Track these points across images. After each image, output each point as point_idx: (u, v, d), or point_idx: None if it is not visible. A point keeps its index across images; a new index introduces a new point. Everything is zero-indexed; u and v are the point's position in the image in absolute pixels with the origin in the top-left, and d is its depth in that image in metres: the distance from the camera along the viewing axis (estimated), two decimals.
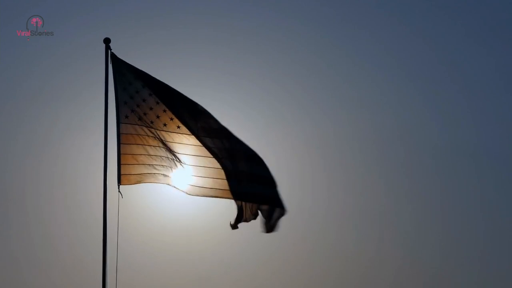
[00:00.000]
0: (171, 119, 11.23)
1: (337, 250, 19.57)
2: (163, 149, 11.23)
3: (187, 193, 11.23)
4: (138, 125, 11.18)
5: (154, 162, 11.20)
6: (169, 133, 11.23)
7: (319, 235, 19.50)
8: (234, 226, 11.27)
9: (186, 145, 11.22)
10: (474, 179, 20.81)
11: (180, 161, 11.22)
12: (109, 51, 11.36)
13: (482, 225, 20.32)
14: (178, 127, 11.25)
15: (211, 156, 11.16)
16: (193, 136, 11.19)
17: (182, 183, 11.25)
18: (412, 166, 20.72)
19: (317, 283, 19.10)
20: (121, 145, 11.10)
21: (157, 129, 11.20)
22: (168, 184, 11.24)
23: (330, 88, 21.04)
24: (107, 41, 11.41)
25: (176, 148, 11.22)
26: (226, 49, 20.34)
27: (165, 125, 11.22)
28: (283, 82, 20.74)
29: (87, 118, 18.57)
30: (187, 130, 11.21)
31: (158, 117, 11.22)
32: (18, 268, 18.33)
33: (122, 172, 11.08)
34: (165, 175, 11.23)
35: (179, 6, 20.66)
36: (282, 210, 11.19)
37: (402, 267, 19.60)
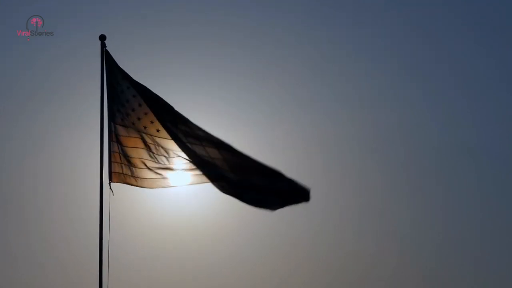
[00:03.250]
0: (152, 122, 11.31)
1: (336, 249, 19.58)
2: (143, 150, 11.31)
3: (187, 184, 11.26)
4: (120, 125, 11.31)
5: (144, 166, 11.29)
6: (149, 135, 11.31)
7: (318, 233, 19.51)
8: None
9: (166, 148, 11.28)
10: (474, 178, 20.80)
11: (166, 159, 11.29)
12: (104, 48, 11.44)
13: (481, 224, 20.31)
14: (158, 130, 11.31)
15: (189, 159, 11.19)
16: (172, 141, 11.23)
17: (175, 180, 11.33)
18: (412, 165, 20.72)
19: (315, 281, 19.11)
20: (111, 143, 11.24)
21: (139, 131, 11.29)
22: (152, 187, 11.34)
23: (330, 87, 21.04)
24: (102, 38, 11.49)
25: (156, 150, 11.30)
26: (223, 47, 20.38)
27: (145, 127, 11.31)
28: (283, 80, 20.76)
29: (85, 115, 18.64)
30: (166, 134, 11.26)
31: (139, 119, 11.30)
32: (14, 264, 18.39)
33: (112, 170, 11.26)
34: (155, 179, 11.29)
35: (177, 3, 20.72)
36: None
37: (401, 265, 19.59)
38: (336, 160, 20.41)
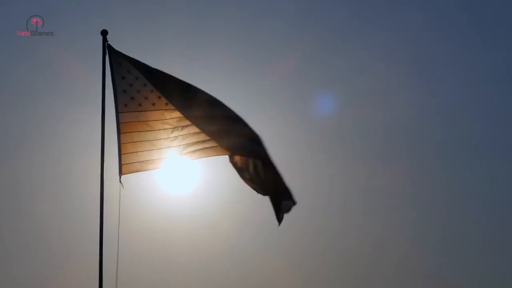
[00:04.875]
0: (159, 97, 11.28)
1: (338, 248, 19.60)
2: (164, 130, 11.27)
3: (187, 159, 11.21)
4: (138, 111, 11.23)
5: (155, 147, 11.24)
6: (158, 111, 11.28)
7: (320, 230, 19.53)
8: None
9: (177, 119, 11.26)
10: (478, 175, 20.84)
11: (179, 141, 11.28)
12: (106, 42, 11.44)
13: (485, 221, 20.36)
14: (166, 103, 11.28)
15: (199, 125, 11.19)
16: (181, 115, 11.22)
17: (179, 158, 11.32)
18: (415, 162, 20.76)
19: (317, 279, 19.12)
20: (121, 135, 11.16)
21: (160, 109, 11.25)
22: (166, 166, 11.29)
23: (333, 83, 21.07)
24: (104, 33, 11.50)
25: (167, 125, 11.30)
26: (226, 40, 20.42)
27: (153, 104, 11.29)
28: (286, 76, 20.77)
29: (86, 113, 18.65)
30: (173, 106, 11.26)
31: (146, 98, 11.29)
32: (13, 261, 18.42)
33: (122, 162, 11.16)
34: (165, 158, 11.26)
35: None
36: (289, 202, 11.20)
37: (403, 263, 19.62)
38: (339, 158, 20.45)
